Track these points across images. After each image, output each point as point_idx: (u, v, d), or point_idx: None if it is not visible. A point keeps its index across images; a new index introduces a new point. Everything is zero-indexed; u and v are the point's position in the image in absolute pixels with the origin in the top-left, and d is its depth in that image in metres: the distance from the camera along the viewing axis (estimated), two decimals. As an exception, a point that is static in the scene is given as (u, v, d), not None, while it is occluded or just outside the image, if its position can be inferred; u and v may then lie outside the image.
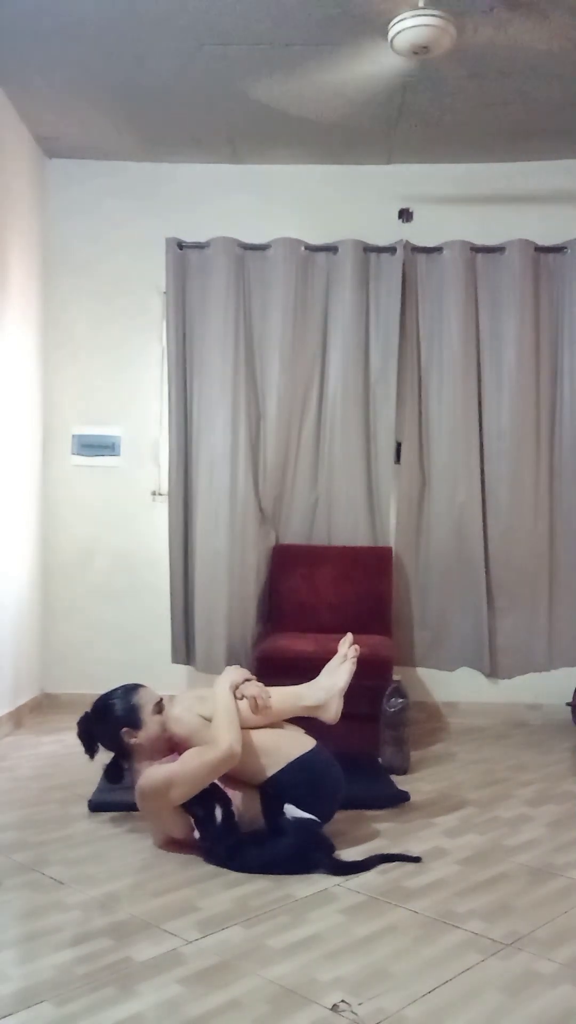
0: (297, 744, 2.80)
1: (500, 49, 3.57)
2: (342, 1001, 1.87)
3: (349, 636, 3.06)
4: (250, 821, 2.70)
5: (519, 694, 4.54)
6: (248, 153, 4.60)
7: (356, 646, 3.00)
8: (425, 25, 3.20)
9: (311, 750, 2.79)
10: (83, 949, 2.09)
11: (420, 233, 4.54)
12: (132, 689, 2.92)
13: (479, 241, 4.44)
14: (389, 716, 3.60)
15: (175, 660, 4.41)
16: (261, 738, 2.77)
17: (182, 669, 4.45)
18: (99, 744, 2.90)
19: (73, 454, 4.72)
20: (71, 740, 2.94)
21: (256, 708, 2.83)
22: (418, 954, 2.09)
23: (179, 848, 2.70)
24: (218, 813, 2.63)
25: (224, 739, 2.64)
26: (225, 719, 2.72)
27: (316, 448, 4.49)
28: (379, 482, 4.46)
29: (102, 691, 2.97)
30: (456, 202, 4.65)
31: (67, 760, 3.60)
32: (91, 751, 2.91)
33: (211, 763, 2.61)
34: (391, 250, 4.44)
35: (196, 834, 2.65)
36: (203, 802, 2.64)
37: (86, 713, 2.93)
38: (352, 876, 2.53)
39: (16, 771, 3.56)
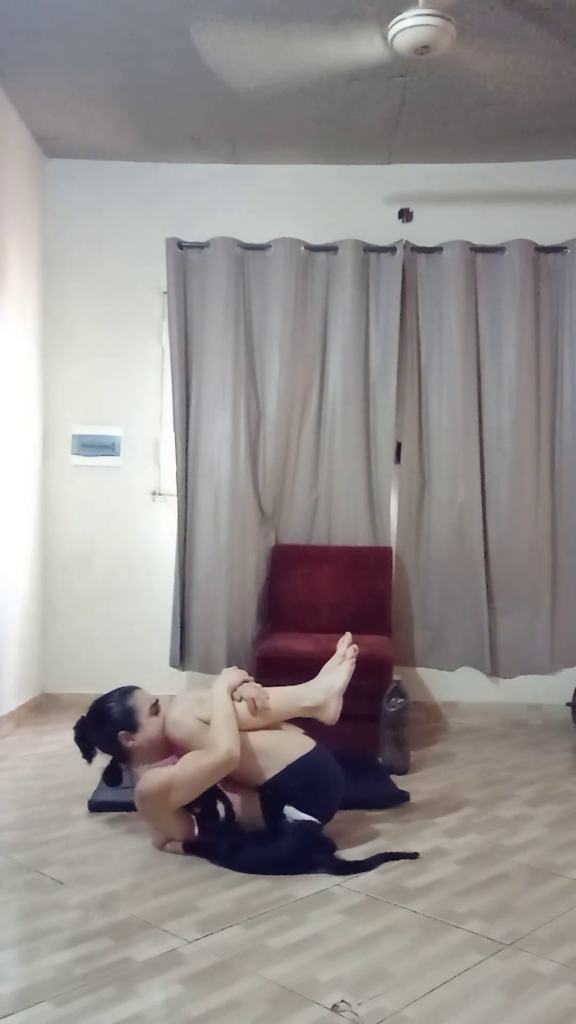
0: (296, 745, 2.79)
1: (500, 49, 3.57)
2: (342, 1001, 1.87)
3: (348, 636, 3.05)
4: (250, 823, 2.70)
5: (519, 694, 4.54)
6: (248, 153, 4.60)
7: (355, 646, 3.00)
8: (425, 25, 3.19)
9: (311, 751, 2.78)
10: (83, 949, 2.09)
11: (420, 233, 4.54)
12: (127, 692, 2.91)
13: (479, 241, 4.44)
14: (389, 716, 3.60)
15: (172, 664, 4.39)
16: (260, 740, 2.76)
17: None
18: (96, 748, 2.90)
19: (73, 454, 4.72)
20: (71, 740, 2.93)
21: (255, 710, 2.82)
22: (418, 954, 2.09)
23: (178, 848, 2.70)
24: (220, 808, 2.63)
25: (222, 743, 2.63)
26: (223, 723, 2.71)
27: (316, 448, 4.49)
28: (379, 482, 4.45)
29: (102, 691, 2.97)
30: (456, 202, 4.65)
31: (67, 760, 3.59)
32: (89, 755, 2.90)
33: (210, 767, 2.61)
34: (391, 250, 4.44)
35: (196, 831, 2.65)
36: (203, 800, 2.64)
37: (82, 718, 2.93)
38: (353, 876, 2.53)
39: (16, 771, 3.56)
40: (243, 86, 3.88)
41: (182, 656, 4.40)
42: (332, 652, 3.04)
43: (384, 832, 2.91)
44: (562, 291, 4.45)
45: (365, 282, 4.46)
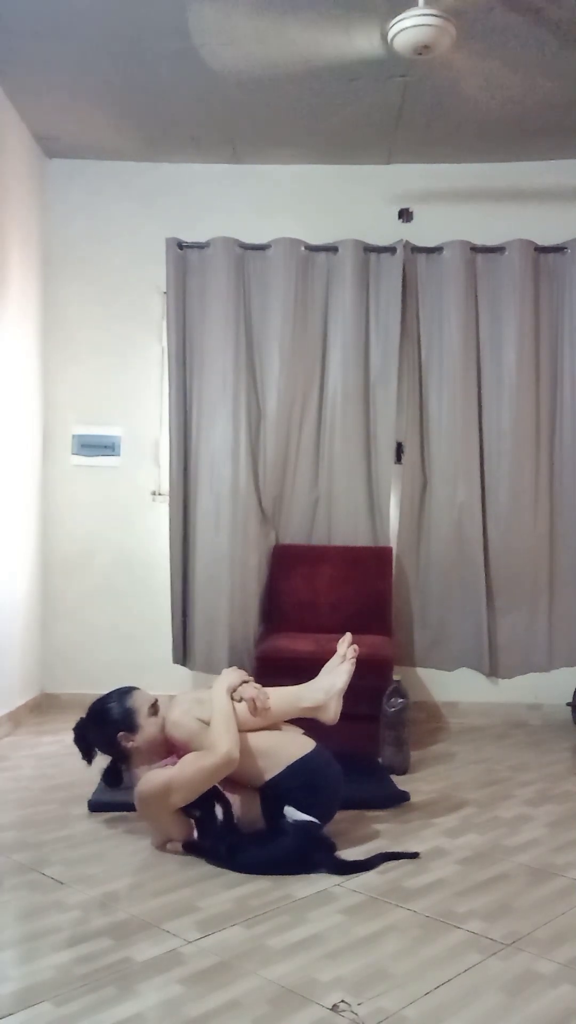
0: (296, 746, 2.79)
1: (500, 49, 3.57)
2: (342, 1001, 1.87)
3: (348, 636, 3.05)
4: (250, 823, 2.69)
5: (519, 694, 4.54)
6: (248, 153, 4.60)
7: (355, 646, 2.99)
8: (425, 25, 3.19)
9: (311, 752, 2.77)
10: (83, 949, 2.09)
11: (420, 233, 4.55)
12: (126, 692, 2.91)
13: (479, 241, 4.44)
14: (389, 716, 3.60)
15: (176, 660, 4.41)
16: (260, 741, 2.76)
17: (182, 669, 4.45)
18: (96, 749, 2.90)
19: (73, 454, 4.72)
20: (71, 740, 2.93)
21: (255, 710, 2.81)
22: (418, 954, 2.09)
23: (178, 849, 2.70)
24: (218, 811, 2.64)
25: (222, 745, 2.63)
26: (222, 724, 2.70)
27: (316, 448, 4.49)
28: (379, 482, 4.46)
29: (102, 691, 2.97)
30: (456, 202, 4.65)
31: (67, 760, 3.59)
32: (88, 756, 2.90)
33: (209, 769, 2.61)
34: (391, 250, 4.44)
35: (196, 834, 2.65)
36: (202, 803, 2.64)
37: (82, 719, 2.93)
38: (353, 876, 2.53)
39: (16, 771, 3.56)
40: (243, 86, 3.88)
41: (185, 654, 4.41)
42: (332, 652, 3.03)
43: (384, 832, 2.91)
44: (562, 291, 4.45)
45: (365, 282, 4.46)
